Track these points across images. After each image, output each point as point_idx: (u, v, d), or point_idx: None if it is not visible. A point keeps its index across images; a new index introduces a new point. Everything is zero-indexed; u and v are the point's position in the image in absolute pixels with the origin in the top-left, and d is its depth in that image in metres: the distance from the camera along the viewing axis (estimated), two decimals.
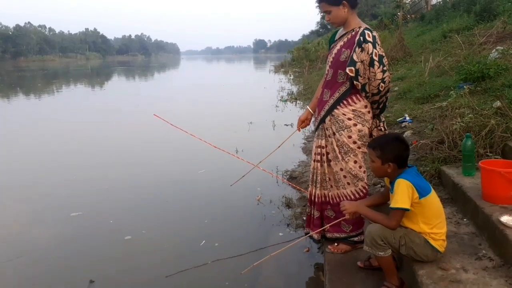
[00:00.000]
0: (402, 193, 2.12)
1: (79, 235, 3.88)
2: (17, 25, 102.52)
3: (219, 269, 3.19)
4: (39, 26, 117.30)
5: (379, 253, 2.19)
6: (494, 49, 6.88)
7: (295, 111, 10.18)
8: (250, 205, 4.40)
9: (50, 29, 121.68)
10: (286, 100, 12.03)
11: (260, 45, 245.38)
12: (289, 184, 4.81)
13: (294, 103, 11.63)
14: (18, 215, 4.36)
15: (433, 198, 2.21)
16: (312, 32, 66.30)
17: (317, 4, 2.71)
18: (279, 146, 3.69)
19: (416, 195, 2.14)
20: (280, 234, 3.69)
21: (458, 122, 3.73)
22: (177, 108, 11.52)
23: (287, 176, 5.12)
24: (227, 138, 7.32)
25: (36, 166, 6.19)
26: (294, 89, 14.95)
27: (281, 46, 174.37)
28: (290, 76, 21.22)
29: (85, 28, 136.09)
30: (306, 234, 3.06)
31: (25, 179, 5.57)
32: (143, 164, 6.16)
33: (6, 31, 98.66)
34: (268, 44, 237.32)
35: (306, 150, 6.29)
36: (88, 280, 3.08)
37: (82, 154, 6.84)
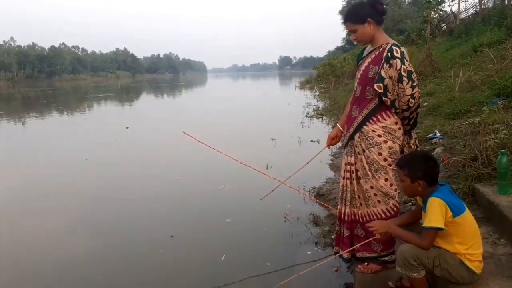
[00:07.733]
0: (435, 212, 2.06)
1: (98, 252, 3.95)
2: (52, 46, 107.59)
3: (246, 287, 3.16)
4: (73, 46, 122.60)
5: (413, 274, 2.13)
6: None
7: (321, 127, 10.14)
8: (277, 222, 4.36)
9: (83, 49, 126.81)
10: (312, 116, 12.01)
11: (285, 61, 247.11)
12: (317, 201, 4.74)
13: (320, 119, 11.59)
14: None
15: (467, 217, 2.14)
16: (337, 48, 66.50)
17: (342, 24, 2.72)
18: (307, 163, 3.65)
19: (450, 213, 2.08)
20: (308, 252, 3.63)
21: (492, 139, 3.62)
22: (206, 125, 11.69)
23: (315, 193, 5.07)
24: (254, 154, 7.33)
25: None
26: (320, 105, 14.91)
27: (306, 62, 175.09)
28: (316, 92, 21.21)
29: (116, 48, 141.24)
30: (335, 253, 3.00)
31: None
32: (170, 178, 6.25)
33: (42, 52, 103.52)
34: (294, 61, 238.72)
35: (334, 167, 6.23)
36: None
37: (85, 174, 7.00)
